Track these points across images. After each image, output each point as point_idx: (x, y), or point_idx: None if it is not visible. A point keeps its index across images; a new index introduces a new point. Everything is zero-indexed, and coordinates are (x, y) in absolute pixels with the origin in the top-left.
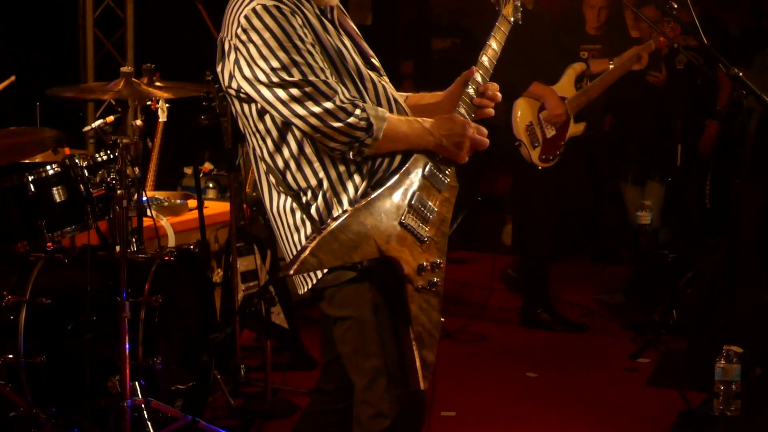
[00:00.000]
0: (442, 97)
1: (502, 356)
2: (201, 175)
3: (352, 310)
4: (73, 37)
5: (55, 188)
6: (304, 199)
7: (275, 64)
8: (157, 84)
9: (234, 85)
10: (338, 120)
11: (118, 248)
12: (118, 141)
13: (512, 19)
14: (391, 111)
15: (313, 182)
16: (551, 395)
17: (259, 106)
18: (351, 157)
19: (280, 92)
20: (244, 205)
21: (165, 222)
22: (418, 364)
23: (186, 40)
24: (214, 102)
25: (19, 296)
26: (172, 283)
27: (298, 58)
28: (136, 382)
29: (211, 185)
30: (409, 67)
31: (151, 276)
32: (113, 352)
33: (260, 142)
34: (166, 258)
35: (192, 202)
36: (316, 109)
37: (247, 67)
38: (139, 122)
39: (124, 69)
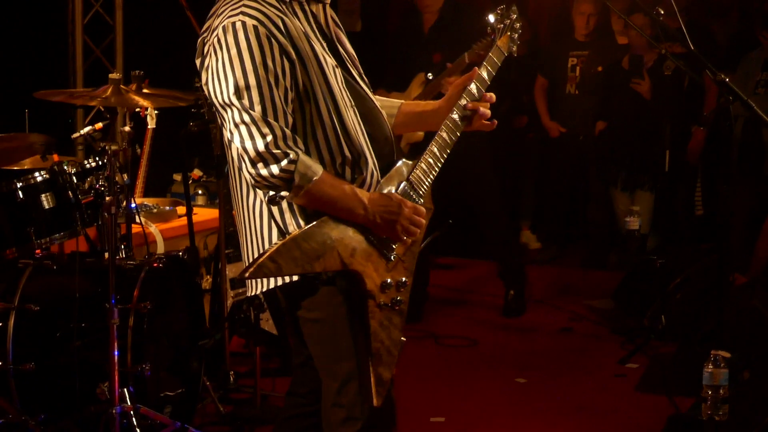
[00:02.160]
0: (439, 105)
1: (491, 362)
2: (190, 181)
3: (323, 312)
4: (62, 44)
5: (43, 195)
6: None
7: (230, 84)
8: (146, 91)
9: (206, 86)
10: (263, 164)
11: (106, 255)
12: (107, 148)
13: (506, 52)
14: (371, 131)
15: None
16: (540, 401)
17: None
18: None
19: (227, 112)
20: (233, 212)
21: (154, 228)
22: (372, 380)
23: (175, 47)
24: (203, 108)
25: (8, 303)
26: (161, 290)
27: (252, 83)
28: (125, 389)
29: (200, 192)
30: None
31: (139, 282)
32: (102, 359)
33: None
34: (155, 264)
35: (181, 209)
36: (248, 145)
37: (210, 77)
38: (127, 129)
39: (112, 76)
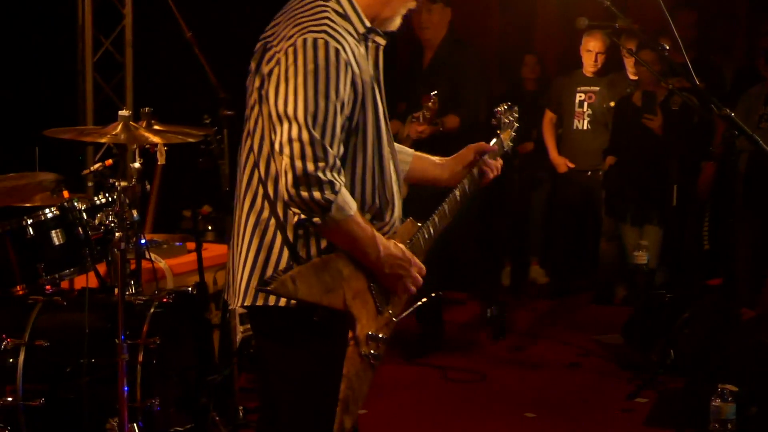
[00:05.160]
0: (445, 160)
1: (500, 397)
2: (199, 217)
3: (304, 349)
4: (73, 82)
5: (53, 231)
6: (291, 224)
7: (299, 99)
8: (155, 127)
9: (263, 91)
10: (306, 186)
11: (116, 291)
12: (117, 184)
13: (505, 146)
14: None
15: None
16: None
17: None
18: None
19: (284, 124)
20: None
21: (163, 264)
22: (336, 426)
23: (185, 84)
24: (212, 145)
25: (18, 339)
26: (170, 325)
27: (321, 104)
28: (135, 424)
29: (209, 227)
30: (402, 107)
31: (149, 318)
32: (111, 395)
33: (271, 149)
34: (165, 300)
35: (190, 245)
36: (297, 163)
37: (275, 85)
38: (137, 165)
39: (122, 113)
